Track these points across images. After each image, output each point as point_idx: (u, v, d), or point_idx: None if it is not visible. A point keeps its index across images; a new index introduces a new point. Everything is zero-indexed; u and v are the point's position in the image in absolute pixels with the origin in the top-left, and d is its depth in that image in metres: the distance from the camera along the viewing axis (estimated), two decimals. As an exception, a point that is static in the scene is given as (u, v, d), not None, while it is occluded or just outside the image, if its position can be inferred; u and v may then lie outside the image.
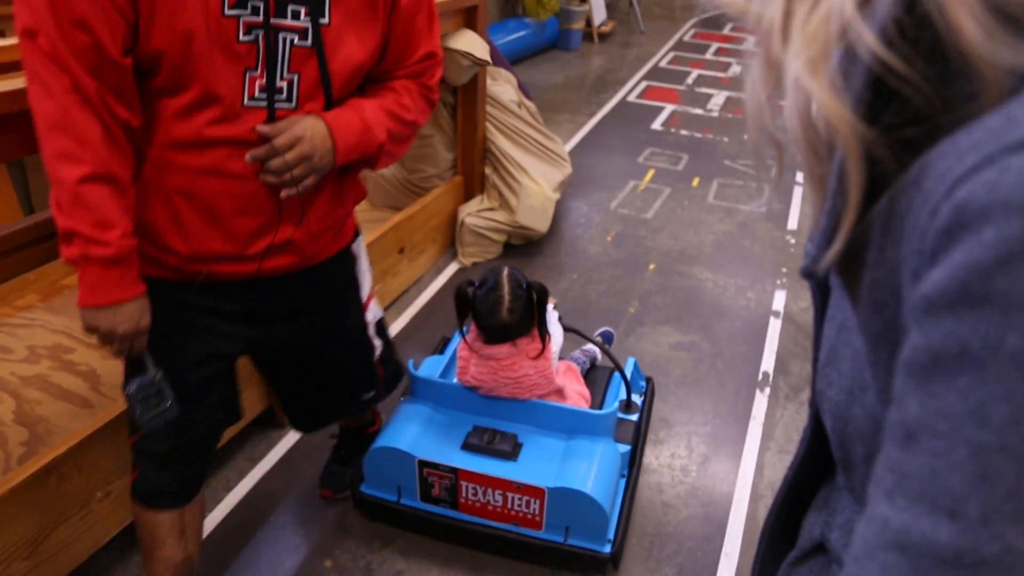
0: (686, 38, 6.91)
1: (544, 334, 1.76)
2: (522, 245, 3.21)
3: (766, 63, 0.40)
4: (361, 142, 1.25)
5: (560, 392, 1.86)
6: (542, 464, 1.75)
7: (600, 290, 2.95)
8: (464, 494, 1.77)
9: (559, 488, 1.68)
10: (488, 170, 3.17)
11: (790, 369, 2.53)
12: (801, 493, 0.60)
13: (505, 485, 1.72)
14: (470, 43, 2.74)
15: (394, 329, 2.71)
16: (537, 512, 1.73)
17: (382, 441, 1.81)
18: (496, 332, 1.74)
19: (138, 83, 1.12)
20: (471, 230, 3.07)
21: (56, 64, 1.02)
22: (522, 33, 5.74)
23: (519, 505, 1.74)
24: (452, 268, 3.09)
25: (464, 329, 1.79)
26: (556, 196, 3.19)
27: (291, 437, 2.19)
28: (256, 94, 1.14)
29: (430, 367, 2.05)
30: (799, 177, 4.02)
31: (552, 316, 1.93)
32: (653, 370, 2.47)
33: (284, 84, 1.15)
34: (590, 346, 2.20)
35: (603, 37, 6.75)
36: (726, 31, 7.21)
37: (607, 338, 2.50)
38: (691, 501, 2.02)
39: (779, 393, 2.42)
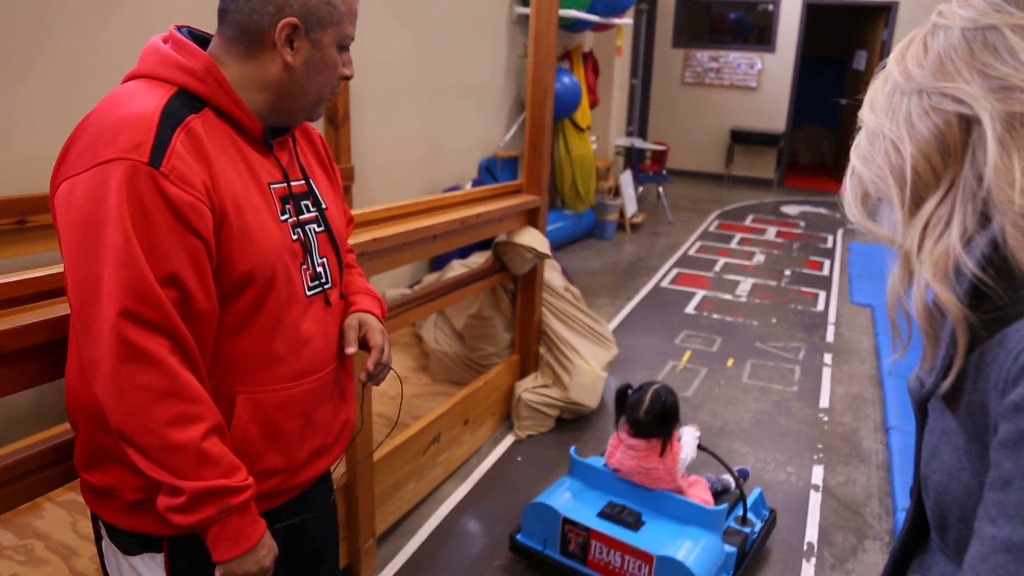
0: (711, 228, 7.45)
1: (667, 439, 2.32)
2: (573, 420, 3.46)
3: (903, 270, 0.71)
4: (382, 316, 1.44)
5: (681, 491, 2.36)
6: (656, 537, 2.24)
7: (648, 462, 3.15)
8: (593, 552, 2.29)
9: (664, 556, 2.14)
10: (542, 350, 3.48)
11: (833, 540, 2.68)
12: (901, 562, 0.84)
13: (624, 548, 2.22)
14: (533, 239, 3.15)
15: (457, 496, 2.91)
16: None
17: (540, 499, 2.41)
18: (634, 425, 2.36)
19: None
20: (527, 405, 3.33)
21: (155, 330, 1.02)
22: (561, 224, 6.27)
23: (633, 568, 2.22)
24: (508, 440, 3.32)
25: (619, 424, 2.42)
26: (605, 375, 3.47)
27: (370, 595, 2.35)
28: (310, 284, 1.25)
29: (592, 460, 2.55)
30: (827, 359, 4.30)
31: (691, 436, 2.48)
32: (704, 539, 2.63)
33: (321, 269, 1.28)
34: (726, 476, 2.67)
35: (635, 227, 7.30)
36: (747, 222, 7.76)
37: (743, 474, 2.81)
38: (749, 664, 2.13)
39: (825, 563, 2.56)
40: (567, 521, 2.32)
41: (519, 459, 3.17)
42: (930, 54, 0.69)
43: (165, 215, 1.02)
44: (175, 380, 1.04)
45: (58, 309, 1.30)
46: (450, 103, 5.03)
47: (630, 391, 2.41)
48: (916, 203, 0.69)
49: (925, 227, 0.68)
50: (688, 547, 2.17)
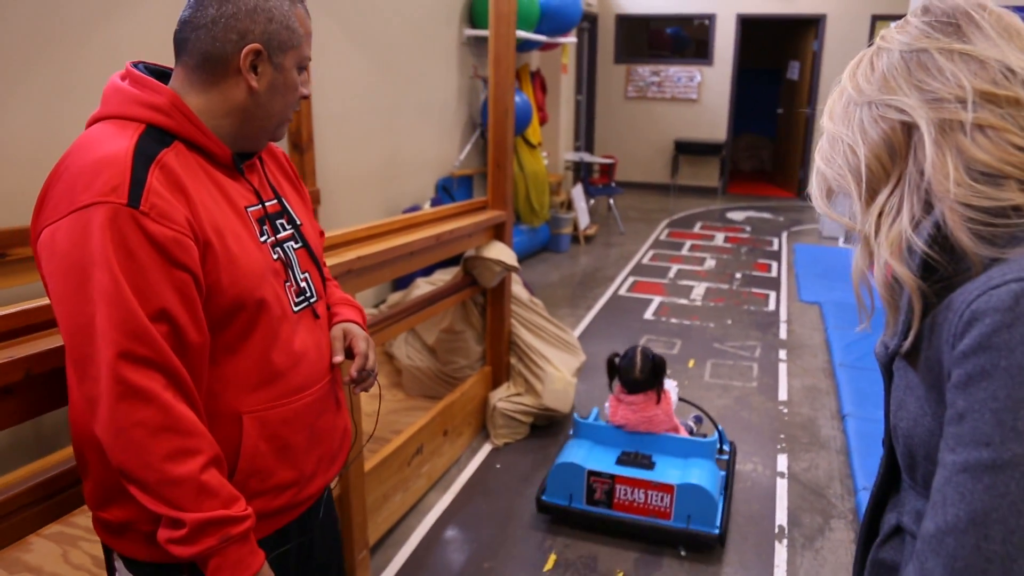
0: (662, 237, 7.67)
1: (660, 387, 2.83)
2: (546, 426, 3.57)
3: (864, 250, 0.85)
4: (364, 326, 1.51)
5: (676, 428, 2.90)
6: (670, 471, 2.68)
7: (622, 462, 3.28)
8: (618, 495, 2.70)
9: (683, 484, 2.59)
10: (513, 360, 3.59)
11: (802, 521, 2.84)
12: (879, 504, 0.97)
13: (647, 484, 2.64)
14: (500, 252, 3.26)
15: (440, 505, 2.99)
16: (668, 505, 2.63)
17: (561, 459, 2.79)
18: (631, 384, 2.79)
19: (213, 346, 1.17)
20: (502, 414, 3.43)
21: (149, 366, 1.05)
22: (518, 239, 6.39)
23: (656, 500, 2.65)
24: (486, 449, 3.41)
25: (612, 388, 2.89)
26: (575, 380, 3.59)
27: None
28: (296, 300, 1.28)
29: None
30: (782, 355, 4.50)
31: (672, 386, 2.99)
32: (681, 529, 2.77)
33: (304, 284, 1.31)
34: (689, 422, 3.24)
35: (588, 239, 7.48)
36: (696, 230, 8.01)
37: (698, 419, 3.31)
38: (733, 641, 2.26)
39: (796, 543, 2.72)
40: (592, 473, 2.71)
41: (498, 466, 3.27)
42: (876, 72, 0.83)
43: (149, 253, 1.05)
44: (170, 415, 1.06)
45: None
46: (406, 124, 5.14)
47: (617, 358, 2.85)
48: (871, 195, 0.83)
49: (880, 215, 0.82)
50: (698, 473, 2.65)
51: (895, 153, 0.81)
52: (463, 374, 3.58)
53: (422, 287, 3.93)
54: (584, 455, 2.79)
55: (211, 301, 1.14)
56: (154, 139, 1.12)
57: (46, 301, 1.37)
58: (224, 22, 1.14)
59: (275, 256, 1.25)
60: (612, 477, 2.68)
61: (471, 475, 3.21)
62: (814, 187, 0.90)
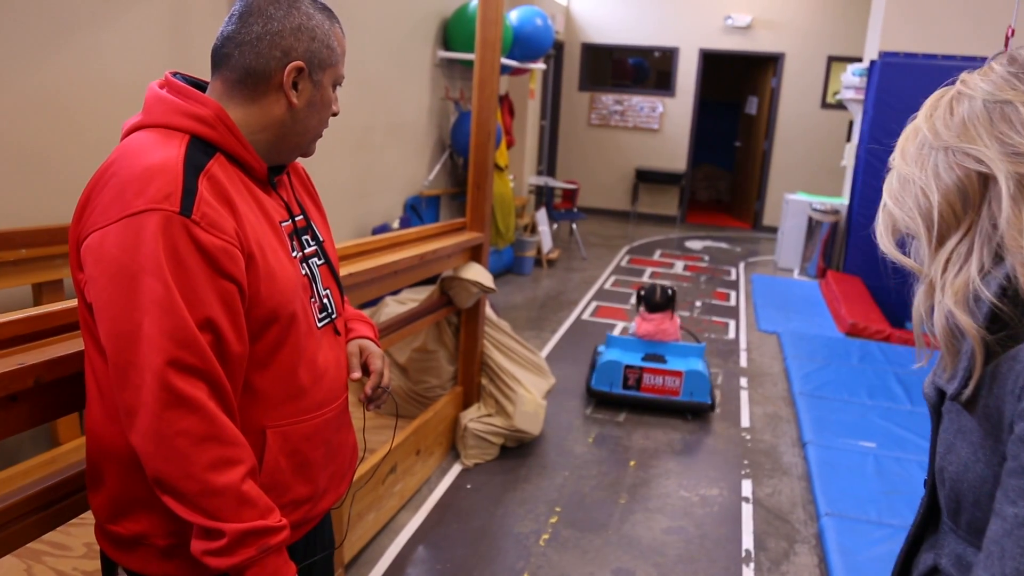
0: (623, 263, 7.78)
1: (673, 310, 4.28)
2: (516, 447, 3.59)
3: (926, 294, 0.85)
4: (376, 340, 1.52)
5: (679, 340, 4.26)
6: (679, 362, 4.06)
7: (591, 484, 3.33)
8: (644, 380, 4.03)
9: (688, 370, 3.97)
10: (484, 381, 3.61)
11: (767, 545, 2.91)
12: (915, 543, 0.95)
13: (664, 372, 4.00)
14: (477, 274, 3.29)
15: (412, 525, 2.98)
16: (678, 386, 3.99)
17: (604, 359, 4.11)
18: (652, 306, 4.23)
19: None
20: (474, 434, 3.45)
21: (196, 375, 1.05)
22: (483, 260, 6.44)
23: (670, 382, 3.99)
24: (456, 469, 3.41)
25: (640, 310, 4.32)
26: (545, 403, 3.63)
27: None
28: (319, 316, 1.29)
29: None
30: (743, 382, 4.61)
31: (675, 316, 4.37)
32: (651, 552, 2.82)
33: (326, 300, 1.32)
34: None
35: (551, 263, 7.56)
36: (656, 257, 8.15)
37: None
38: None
39: (763, 567, 2.78)
40: (628, 367, 4.03)
41: (468, 487, 3.27)
42: (955, 117, 0.82)
43: (198, 261, 1.05)
44: (214, 424, 1.06)
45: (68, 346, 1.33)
46: (378, 142, 5.15)
47: (642, 291, 4.29)
48: (940, 241, 0.82)
49: (947, 261, 0.81)
50: (696, 364, 4.05)
51: (968, 202, 0.80)
52: (434, 394, 3.58)
53: (391, 305, 3.93)
54: (620, 355, 4.11)
55: (249, 313, 1.15)
56: (199, 150, 1.13)
57: (55, 307, 1.36)
58: (269, 39, 1.16)
59: (303, 271, 1.26)
60: (640, 368, 4.01)
61: (442, 495, 3.21)
62: (880, 225, 0.89)
